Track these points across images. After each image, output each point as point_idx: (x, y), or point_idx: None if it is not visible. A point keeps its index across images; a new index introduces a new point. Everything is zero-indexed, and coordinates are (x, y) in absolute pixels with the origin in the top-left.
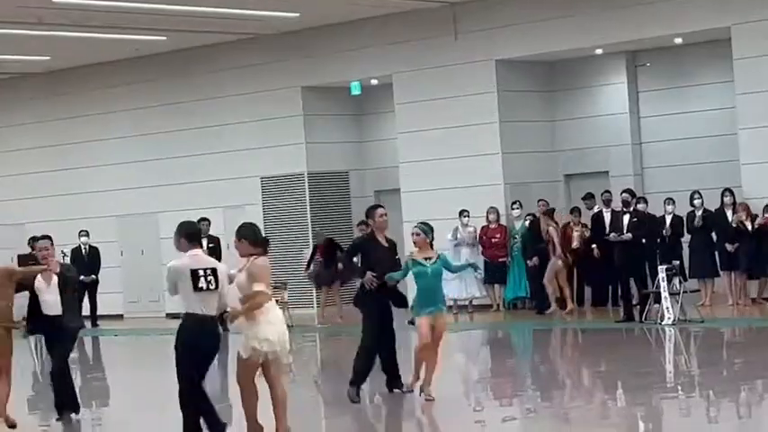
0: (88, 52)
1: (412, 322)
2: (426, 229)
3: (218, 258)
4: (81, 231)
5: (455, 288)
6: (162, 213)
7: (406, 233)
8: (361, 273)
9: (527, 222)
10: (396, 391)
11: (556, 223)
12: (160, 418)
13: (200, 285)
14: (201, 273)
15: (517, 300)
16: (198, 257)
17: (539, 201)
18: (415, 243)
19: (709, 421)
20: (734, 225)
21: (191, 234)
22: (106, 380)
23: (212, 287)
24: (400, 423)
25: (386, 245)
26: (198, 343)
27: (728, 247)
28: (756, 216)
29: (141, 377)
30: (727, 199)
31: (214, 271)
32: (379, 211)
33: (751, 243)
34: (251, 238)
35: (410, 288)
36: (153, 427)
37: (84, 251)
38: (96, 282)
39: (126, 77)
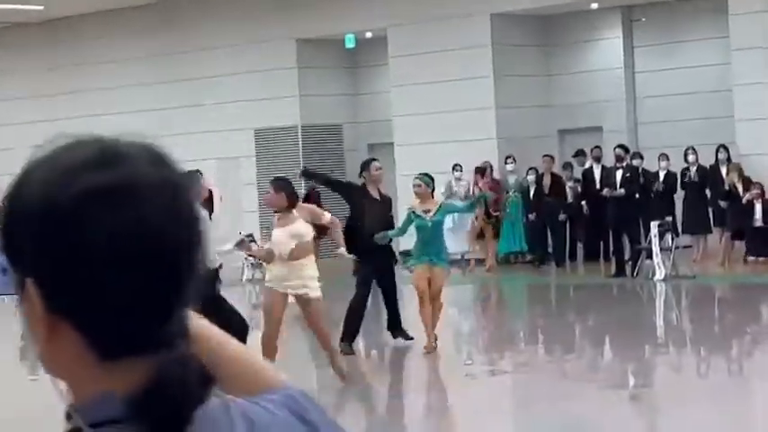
0: (82, 1)
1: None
2: (428, 180)
3: (211, 211)
4: None
5: (449, 242)
6: None
7: (400, 186)
8: (325, 181)
9: (529, 177)
10: (399, 339)
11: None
12: None
13: None
14: None
15: (510, 254)
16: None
17: (543, 156)
18: (416, 194)
19: (699, 376)
20: (726, 188)
21: None
22: None
23: None
24: (388, 375)
25: (378, 199)
26: None
27: (722, 203)
28: (749, 178)
29: None
30: (722, 155)
31: None
32: (375, 164)
33: (737, 206)
34: (291, 192)
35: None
36: None
37: None
38: None
39: (120, 27)
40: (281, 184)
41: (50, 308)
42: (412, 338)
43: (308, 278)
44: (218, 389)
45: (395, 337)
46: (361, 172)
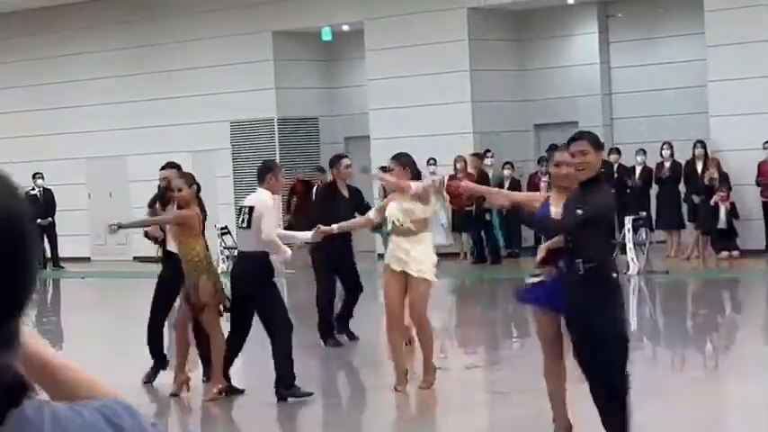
0: None
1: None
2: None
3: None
4: (35, 174)
5: None
6: (130, 156)
7: (375, 180)
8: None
9: (505, 171)
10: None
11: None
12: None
13: (238, 223)
14: (239, 210)
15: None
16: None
17: (471, 155)
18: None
19: (673, 370)
20: (706, 182)
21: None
22: (62, 323)
23: (243, 225)
24: (359, 369)
25: (346, 196)
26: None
27: (695, 198)
28: (727, 175)
29: (106, 319)
30: (698, 151)
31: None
32: (345, 161)
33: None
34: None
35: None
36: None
37: (39, 194)
38: (53, 224)
39: (94, 18)
40: (405, 160)
41: None
42: (356, 338)
43: (418, 257)
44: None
45: (339, 332)
46: (330, 167)
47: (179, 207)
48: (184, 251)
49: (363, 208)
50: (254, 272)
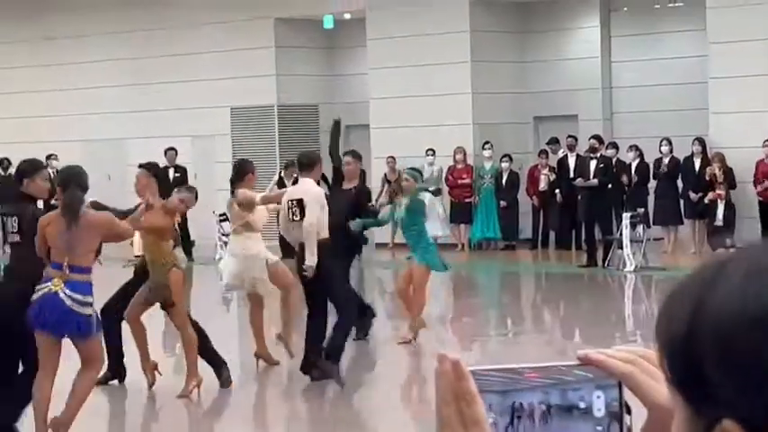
0: None
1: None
2: (416, 174)
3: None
4: (50, 155)
5: None
6: (130, 140)
7: (374, 168)
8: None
9: (503, 164)
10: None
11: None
12: None
13: (289, 217)
14: (288, 204)
15: (483, 240)
16: (295, 187)
17: (387, 158)
18: (404, 188)
19: None
20: (707, 178)
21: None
22: None
23: (296, 218)
24: (357, 364)
25: (349, 189)
26: None
27: (692, 195)
28: (731, 169)
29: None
30: (696, 148)
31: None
32: (346, 158)
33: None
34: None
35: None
36: None
37: (52, 176)
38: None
39: (97, 1)
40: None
41: None
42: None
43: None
44: None
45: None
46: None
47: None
48: (155, 255)
49: (362, 203)
50: (321, 259)
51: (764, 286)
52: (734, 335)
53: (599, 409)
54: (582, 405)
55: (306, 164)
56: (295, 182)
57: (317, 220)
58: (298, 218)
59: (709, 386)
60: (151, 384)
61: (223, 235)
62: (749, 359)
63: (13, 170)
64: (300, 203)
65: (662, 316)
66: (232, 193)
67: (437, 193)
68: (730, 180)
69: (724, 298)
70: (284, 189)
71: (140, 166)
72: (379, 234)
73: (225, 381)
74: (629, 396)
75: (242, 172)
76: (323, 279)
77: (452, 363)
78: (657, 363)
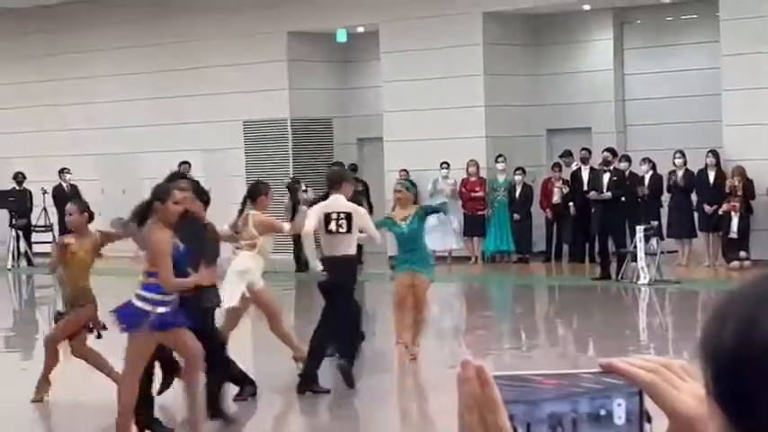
0: None
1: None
2: (409, 186)
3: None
4: (63, 169)
5: (434, 240)
6: (144, 154)
7: (388, 182)
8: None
9: (516, 176)
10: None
11: None
12: None
13: (329, 228)
14: (334, 216)
15: (496, 253)
16: (334, 201)
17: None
18: (398, 200)
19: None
20: (727, 190)
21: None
22: None
23: (342, 230)
24: (372, 377)
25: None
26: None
27: (707, 208)
28: (751, 181)
29: None
30: (710, 160)
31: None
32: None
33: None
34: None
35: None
36: None
37: (67, 189)
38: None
39: (110, 16)
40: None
41: None
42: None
43: None
44: None
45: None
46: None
47: (70, 231)
48: (80, 279)
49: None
50: (352, 272)
51: None
52: None
53: (619, 417)
54: (603, 413)
55: (335, 180)
56: (324, 197)
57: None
58: (344, 230)
59: (753, 402)
60: (35, 400)
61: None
62: None
63: (27, 184)
64: (349, 217)
65: (709, 329)
66: (241, 211)
67: (443, 208)
68: (750, 192)
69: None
70: (303, 216)
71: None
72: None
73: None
74: (649, 404)
75: (256, 193)
76: (347, 291)
77: (477, 369)
78: (688, 373)
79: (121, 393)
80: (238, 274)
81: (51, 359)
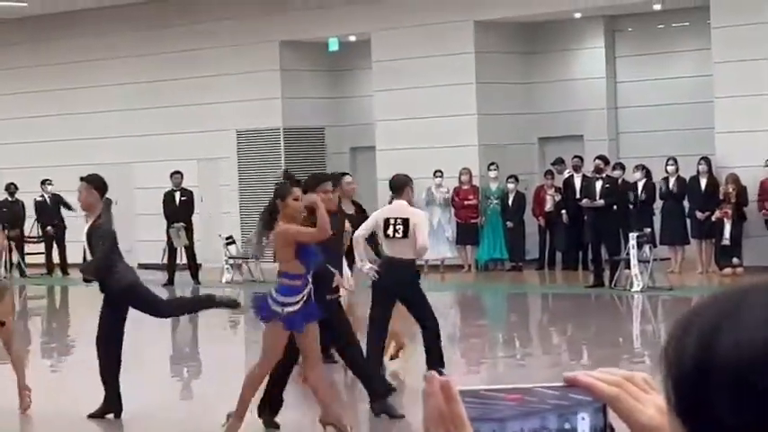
0: (61, 0)
1: None
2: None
3: (191, 212)
4: (44, 180)
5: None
6: (137, 164)
7: (380, 191)
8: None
9: (509, 184)
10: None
11: None
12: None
13: (387, 233)
14: (392, 221)
15: (490, 261)
16: (396, 207)
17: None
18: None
19: None
20: (721, 197)
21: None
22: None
23: (398, 235)
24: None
25: (352, 213)
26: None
27: (699, 214)
28: (745, 188)
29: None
30: (702, 167)
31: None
32: (347, 178)
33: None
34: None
35: None
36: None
37: (47, 200)
38: (63, 230)
39: (103, 27)
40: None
41: None
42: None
43: None
44: None
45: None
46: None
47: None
48: None
49: None
50: (409, 277)
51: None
52: (756, 370)
53: (584, 431)
54: (567, 427)
55: (397, 187)
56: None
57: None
58: (400, 235)
59: (713, 415)
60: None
61: (230, 258)
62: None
63: (19, 195)
64: (406, 222)
65: (672, 343)
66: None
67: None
68: (743, 199)
69: (745, 330)
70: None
71: (82, 179)
72: None
73: None
74: (613, 418)
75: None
76: (409, 300)
77: (442, 384)
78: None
79: (252, 375)
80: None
81: None
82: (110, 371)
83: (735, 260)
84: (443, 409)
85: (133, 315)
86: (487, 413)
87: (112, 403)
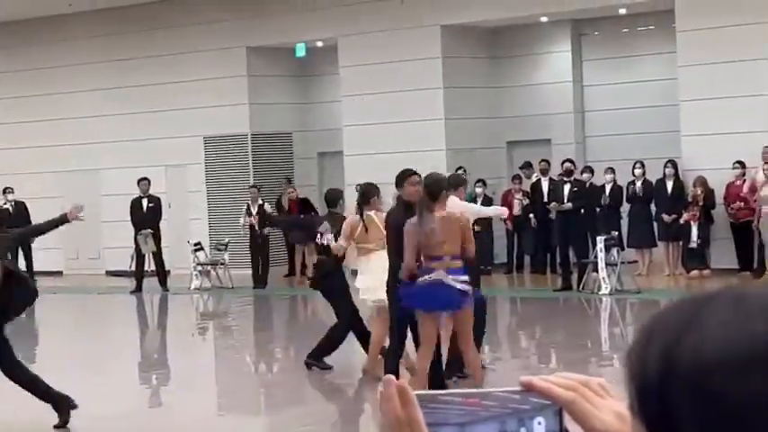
0: (27, 6)
1: None
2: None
3: (159, 218)
4: (6, 189)
5: None
6: (104, 171)
7: (348, 196)
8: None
9: (477, 188)
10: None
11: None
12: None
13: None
14: None
15: None
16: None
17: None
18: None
19: None
20: (689, 199)
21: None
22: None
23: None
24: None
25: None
26: None
27: (665, 217)
28: (712, 191)
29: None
30: (668, 170)
31: None
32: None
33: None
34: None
35: None
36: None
37: (10, 208)
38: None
39: (68, 33)
40: None
41: None
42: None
43: None
44: None
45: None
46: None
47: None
48: None
49: None
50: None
51: (754, 327)
52: (717, 376)
53: None
54: (523, 431)
55: (452, 184)
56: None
57: None
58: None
59: (677, 422)
60: None
61: (198, 264)
62: (731, 402)
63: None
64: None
65: (635, 350)
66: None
67: None
68: (711, 202)
69: (708, 338)
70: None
71: None
72: None
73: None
74: (569, 422)
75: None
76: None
77: (399, 387)
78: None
79: (420, 359)
80: (384, 270)
81: None
82: (37, 388)
83: (701, 263)
84: (400, 413)
85: (104, 318)
86: (445, 418)
87: (63, 406)
